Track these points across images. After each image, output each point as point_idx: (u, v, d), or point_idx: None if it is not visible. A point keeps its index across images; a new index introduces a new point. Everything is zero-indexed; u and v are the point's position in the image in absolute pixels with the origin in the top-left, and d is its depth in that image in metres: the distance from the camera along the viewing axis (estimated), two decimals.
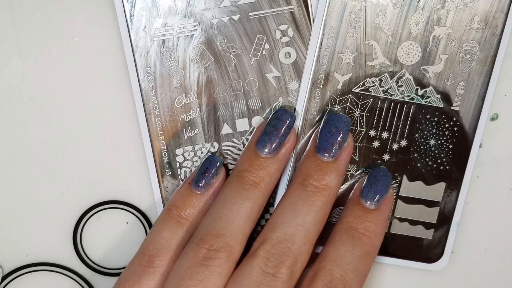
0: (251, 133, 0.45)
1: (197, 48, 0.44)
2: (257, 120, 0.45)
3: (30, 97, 0.45)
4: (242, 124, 0.45)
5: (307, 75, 0.44)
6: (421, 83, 0.44)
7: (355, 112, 0.45)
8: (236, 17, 0.44)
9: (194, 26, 0.44)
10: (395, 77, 0.44)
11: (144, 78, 0.44)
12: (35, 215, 0.47)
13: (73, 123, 0.46)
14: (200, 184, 0.44)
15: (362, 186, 0.43)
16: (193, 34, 0.44)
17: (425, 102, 0.44)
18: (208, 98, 0.45)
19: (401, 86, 0.44)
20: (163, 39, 0.44)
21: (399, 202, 0.45)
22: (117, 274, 0.47)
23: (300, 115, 0.45)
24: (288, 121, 0.43)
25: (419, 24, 0.43)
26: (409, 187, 0.45)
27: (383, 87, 0.44)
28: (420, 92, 0.44)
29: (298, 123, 0.45)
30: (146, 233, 0.47)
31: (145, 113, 0.45)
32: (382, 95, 0.44)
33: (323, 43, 0.44)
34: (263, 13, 0.44)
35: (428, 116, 0.44)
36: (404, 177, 0.45)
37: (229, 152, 0.46)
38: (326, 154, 0.43)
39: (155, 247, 0.42)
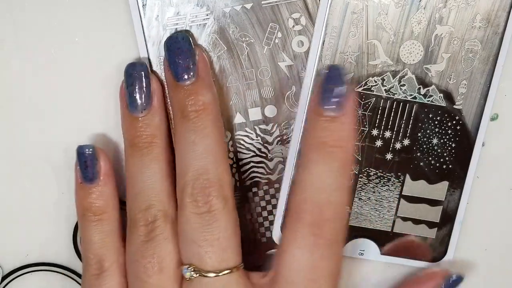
0: (263, 122, 0.45)
1: (210, 37, 0.44)
2: (270, 109, 0.45)
3: (30, 97, 0.45)
4: (255, 113, 0.45)
5: (310, 75, 0.44)
6: (423, 82, 0.44)
7: (358, 111, 0.45)
8: (248, 6, 0.44)
9: (207, 15, 0.44)
10: (398, 76, 0.44)
11: (157, 68, 0.44)
12: (35, 215, 0.47)
13: (73, 123, 0.45)
14: (90, 178, 0.43)
15: (319, 93, 0.40)
16: (206, 23, 0.44)
17: (428, 101, 0.44)
18: (221, 87, 0.45)
19: (404, 85, 0.44)
20: (176, 28, 0.44)
21: (402, 201, 0.45)
22: None
23: (303, 115, 0.44)
24: (140, 72, 0.42)
25: (421, 23, 0.43)
26: (412, 186, 0.45)
27: (386, 86, 0.44)
28: (423, 91, 0.44)
29: (295, 122, 0.44)
30: None
31: None
32: (384, 94, 0.44)
33: (325, 43, 0.44)
34: (276, 2, 0.44)
35: (430, 115, 0.44)
36: (407, 176, 0.45)
37: (241, 142, 0.45)
38: (185, 77, 0.41)
39: (95, 254, 0.42)
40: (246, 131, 0.45)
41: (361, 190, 0.45)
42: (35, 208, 0.46)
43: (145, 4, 0.43)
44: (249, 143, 0.45)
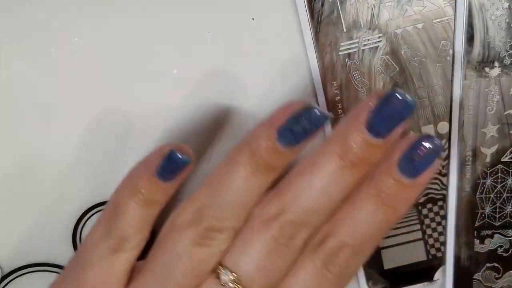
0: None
1: (382, 58, 0.46)
2: (442, 126, 0.46)
3: (30, 97, 0.46)
4: (428, 131, 0.46)
5: (455, 155, 0.46)
6: None
7: (508, 180, 0.45)
8: (420, 26, 0.45)
9: (379, 38, 0.45)
10: None
11: (329, 91, 0.45)
12: (35, 215, 0.46)
13: (73, 123, 0.46)
14: (165, 180, 0.39)
15: (402, 155, 0.38)
16: (378, 46, 0.46)
17: None
18: None
19: None
20: (349, 53, 0.46)
21: None
22: None
23: (454, 197, 0.46)
24: (315, 123, 0.39)
25: None
26: None
27: None
28: None
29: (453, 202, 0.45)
30: None
31: None
32: None
33: (464, 123, 0.46)
34: (447, 19, 0.45)
35: None
36: None
37: None
38: (381, 135, 0.38)
39: (124, 231, 0.39)
40: None
41: None
42: (35, 208, 0.46)
43: (319, 31, 0.45)
44: None
